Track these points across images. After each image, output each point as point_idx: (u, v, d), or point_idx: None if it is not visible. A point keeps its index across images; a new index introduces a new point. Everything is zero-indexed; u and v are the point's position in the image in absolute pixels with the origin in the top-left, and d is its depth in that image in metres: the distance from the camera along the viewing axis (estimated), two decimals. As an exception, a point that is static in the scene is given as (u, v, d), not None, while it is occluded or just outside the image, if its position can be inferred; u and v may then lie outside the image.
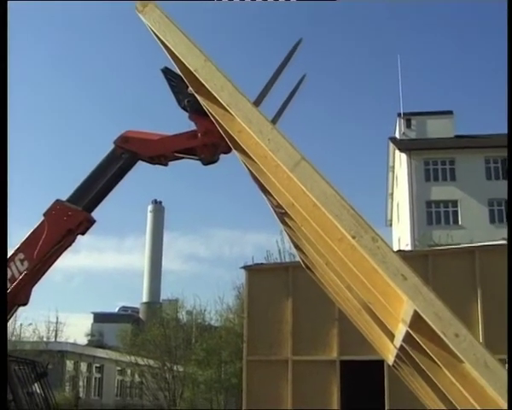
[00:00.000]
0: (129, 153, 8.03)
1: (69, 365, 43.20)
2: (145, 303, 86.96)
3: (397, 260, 2.65)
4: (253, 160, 4.06)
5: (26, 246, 8.35)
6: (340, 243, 3.30)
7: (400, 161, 52.23)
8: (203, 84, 3.80)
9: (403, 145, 51.28)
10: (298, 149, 3.16)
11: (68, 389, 41.00)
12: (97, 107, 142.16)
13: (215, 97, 3.74)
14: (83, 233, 8.65)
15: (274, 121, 6.21)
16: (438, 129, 51.38)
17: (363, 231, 2.76)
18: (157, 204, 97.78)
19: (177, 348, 35.53)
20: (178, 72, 4.39)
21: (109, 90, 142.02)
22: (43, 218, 8.43)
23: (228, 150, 6.74)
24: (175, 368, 34.59)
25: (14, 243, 8.32)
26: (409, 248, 40.70)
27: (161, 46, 4.13)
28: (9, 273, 8.13)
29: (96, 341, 67.12)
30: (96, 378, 46.78)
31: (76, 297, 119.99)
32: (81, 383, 43.90)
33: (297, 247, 7.29)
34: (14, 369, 12.52)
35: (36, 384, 14.54)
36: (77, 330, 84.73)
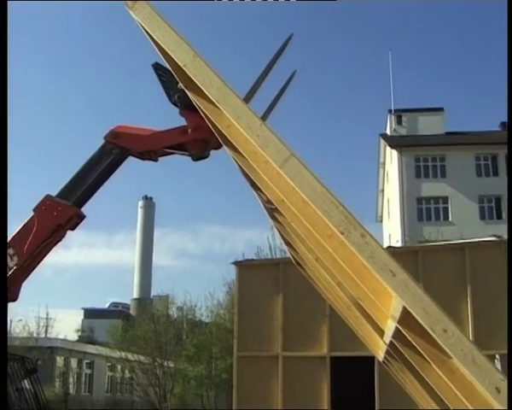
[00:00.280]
0: (119, 148, 8.00)
1: (59, 361, 43.09)
2: (135, 299, 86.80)
3: (385, 257, 2.66)
4: (243, 155, 4.06)
5: (15, 241, 8.32)
6: (329, 240, 3.30)
7: (391, 157, 52.35)
8: (192, 80, 3.79)
9: (394, 142, 51.40)
10: (287, 145, 3.15)
11: (58, 385, 40.91)
12: (87, 102, 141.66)
13: (204, 93, 3.73)
14: (73, 228, 8.62)
15: (264, 117, 6.21)
16: (428, 126, 51.51)
17: (351, 228, 2.76)
18: (148, 200, 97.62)
19: (168, 344, 35.57)
20: (169, 67, 4.39)
21: (100, 85, 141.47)
22: (32, 213, 8.40)
23: (218, 146, 6.73)
24: (165, 364, 34.62)
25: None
26: (399, 244, 40.84)
27: (151, 42, 4.12)
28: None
29: (87, 337, 66.94)
30: (86, 374, 46.67)
31: (66, 293, 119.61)
32: (71, 380, 43.79)
33: (287, 243, 7.30)
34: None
35: (25, 381, 14.51)
36: (67, 326, 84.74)
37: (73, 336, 62.07)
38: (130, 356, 37.06)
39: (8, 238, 8.31)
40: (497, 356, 14.05)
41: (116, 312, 77.18)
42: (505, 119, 54.81)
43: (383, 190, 57.65)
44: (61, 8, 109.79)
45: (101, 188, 8.40)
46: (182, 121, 7.17)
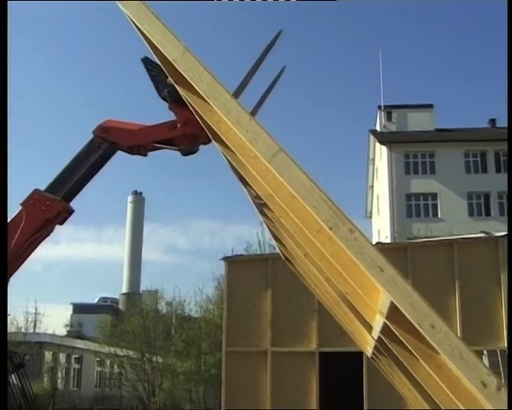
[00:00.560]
0: (108, 143, 7.97)
1: (48, 356, 42.98)
2: (125, 294, 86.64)
3: (374, 252, 2.66)
4: (232, 150, 4.05)
5: None
6: (318, 235, 3.30)
7: (381, 153, 52.47)
8: (182, 75, 3.78)
9: (383, 138, 51.53)
10: (276, 140, 3.14)
11: (47, 380, 40.81)
12: (87, 101, 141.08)
13: (194, 88, 3.72)
14: (61, 223, 8.59)
15: (254, 112, 6.21)
16: (418, 122, 51.68)
17: (340, 223, 2.76)
18: (137, 195, 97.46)
19: (157, 339, 35.57)
20: (158, 62, 4.37)
21: (100, 85, 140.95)
22: (20, 207, 8.37)
23: (207, 141, 6.73)
24: (154, 359, 34.62)
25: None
26: (388, 240, 40.98)
27: (140, 36, 4.10)
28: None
29: (75, 332, 66.84)
30: (74, 369, 46.59)
31: (55, 288, 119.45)
32: (60, 374, 43.70)
33: (276, 238, 7.29)
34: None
35: (13, 375, 14.45)
36: (56, 321, 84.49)
37: (62, 331, 61.99)
38: (118, 351, 37.04)
39: None
40: (485, 352, 14.14)
41: (105, 307, 77.06)
42: (494, 115, 55.21)
43: (373, 186, 57.79)
44: (59, 8, 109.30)
45: (90, 182, 8.37)
46: (171, 116, 7.15)
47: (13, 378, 14.39)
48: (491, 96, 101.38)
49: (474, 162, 50.32)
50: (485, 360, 13.79)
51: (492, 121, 54.68)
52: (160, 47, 3.79)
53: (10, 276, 8.57)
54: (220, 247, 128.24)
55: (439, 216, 48.34)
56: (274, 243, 9.02)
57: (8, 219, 8.39)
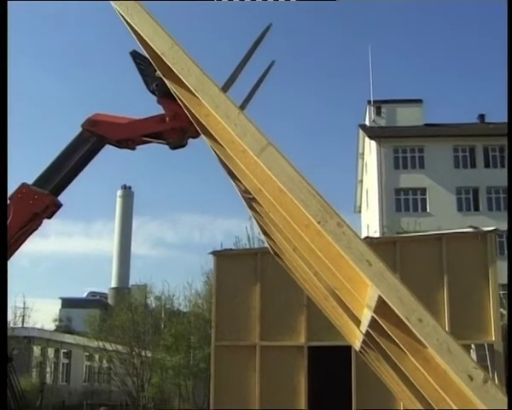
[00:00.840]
0: (96, 136, 7.93)
1: (36, 351, 42.82)
2: (114, 288, 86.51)
3: (362, 246, 2.66)
4: (221, 144, 4.04)
5: None
6: (306, 229, 3.30)
7: (370, 148, 52.57)
8: (171, 69, 3.76)
9: (372, 132, 51.61)
10: (265, 134, 3.14)
11: (35, 375, 40.68)
12: (65, 89, 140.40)
13: (182, 82, 3.71)
14: (49, 217, 8.55)
15: (243, 107, 6.19)
16: (407, 117, 51.79)
17: (328, 217, 2.76)
18: (126, 189, 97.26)
19: (146, 334, 35.49)
20: (147, 55, 4.35)
21: (77, 71, 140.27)
22: (8, 201, 8.31)
23: (196, 135, 6.71)
24: (143, 353, 34.54)
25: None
26: (377, 234, 41.02)
27: (129, 30, 4.08)
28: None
29: (64, 326, 66.68)
30: (63, 364, 46.46)
31: (44, 282, 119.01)
32: (48, 369, 43.57)
33: (265, 233, 7.30)
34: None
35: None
36: (44, 315, 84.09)
37: (51, 326, 61.84)
38: (107, 346, 36.94)
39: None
40: (473, 346, 14.22)
41: (94, 301, 76.83)
42: (483, 111, 55.41)
43: (362, 181, 57.90)
44: (47, 2, 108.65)
45: (79, 176, 8.33)
46: (160, 110, 7.13)
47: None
48: (480, 91, 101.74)
49: (463, 157, 50.51)
50: (473, 355, 13.87)
51: (481, 117, 54.90)
52: (148, 40, 3.77)
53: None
54: (209, 241, 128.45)
55: (428, 211, 48.51)
56: (263, 237, 9.02)
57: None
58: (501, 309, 19.77)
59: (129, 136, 7.81)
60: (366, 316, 3.59)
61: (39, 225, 8.57)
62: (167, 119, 7.09)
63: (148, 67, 6.23)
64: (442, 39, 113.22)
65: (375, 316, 3.04)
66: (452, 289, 14.75)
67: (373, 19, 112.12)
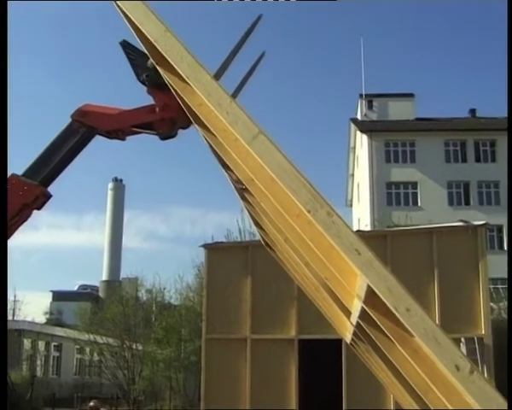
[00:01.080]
0: (86, 127, 7.88)
1: (26, 343, 42.76)
2: (105, 281, 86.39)
3: (351, 236, 2.65)
4: (213, 134, 4.03)
5: None
6: (297, 219, 3.28)
7: (361, 142, 52.61)
8: (163, 56, 3.74)
9: (364, 126, 51.65)
10: (256, 122, 3.12)
11: (25, 367, 40.62)
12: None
13: (175, 69, 3.68)
14: (39, 208, 8.49)
15: (233, 97, 6.16)
16: (399, 111, 51.83)
17: (318, 206, 2.75)
18: (117, 182, 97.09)
19: (137, 327, 35.46)
20: (138, 45, 4.32)
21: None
22: (-3, 192, 8.26)
23: (186, 125, 6.70)
24: (134, 346, 34.52)
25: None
26: (368, 228, 41.12)
27: (123, 17, 4.04)
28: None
29: (55, 319, 66.58)
30: (54, 357, 46.42)
31: (34, 275, 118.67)
32: (39, 362, 43.52)
33: (257, 224, 7.28)
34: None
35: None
36: (35, 308, 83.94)
37: (41, 319, 61.73)
38: (98, 339, 36.89)
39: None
40: (463, 339, 14.26)
41: (85, 294, 76.75)
42: (474, 106, 55.64)
43: (353, 175, 57.97)
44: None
45: (69, 167, 8.28)
46: (150, 100, 7.10)
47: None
48: (471, 86, 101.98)
49: (454, 152, 50.62)
50: (463, 348, 13.91)
51: (472, 111, 55.04)
52: (141, 28, 3.75)
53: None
54: (201, 234, 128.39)
55: (419, 205, 48.62)
56: (254, 229, 9.03)
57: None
58: (491, 303, 19.85)
59: (119, 126, 7.76)
60: (356, 307, 3.58)
61: (29, 216, 8.51)
62: (157, 109, 7.05)
63: (138, 58, 6.21)
64: (434, 34, 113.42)
65: (364, 306, 3.04)
66: (443, 282, 14.78)
67: (366, 14, 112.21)
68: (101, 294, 77.75)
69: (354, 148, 56.01)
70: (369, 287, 2.66)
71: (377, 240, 15.55)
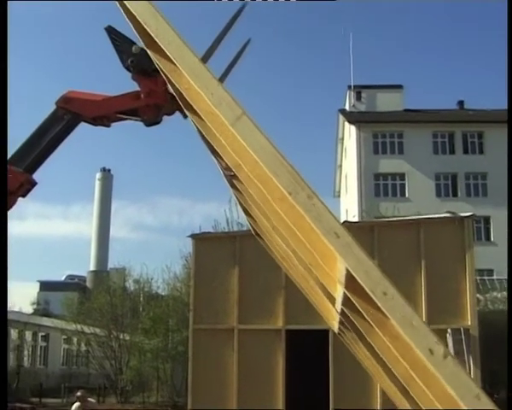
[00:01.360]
0: (71, 114, 7.83)
1: (14, 334, 42.62)
2: (92, 272, 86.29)
3: (331, 219, 2.63)
4: (202, 118, 4.00)
5: None
6: (281, 203, 3.26)
7: (349, 133, 52.65)
8: (154, 39, 3.71)
9: (352, 117, 51.68)
10: (240, 104, 3.10)
11: (12, 358, 40.51)
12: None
13: (165, 52, 3.65)
14: (24, 195, 8.45)
15: (220, 81, 6.13)
16: (387, 102, 51.90)
17: (299, 188, 2.73)
18: (105, 172, 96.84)
19: (124, 317, 35.43)
20: (124, 31, 4.28)
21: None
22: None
23: (171, 112, 6.68)
24: (121, 337, 34.51)
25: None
26: (356, 219, 41.18)
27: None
28: None
29: (42, 309, 66.43)
30: (41, 347, 46.32)
31: (21, 265, 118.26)
32: (26, 352, 43.40)
33: (247, 213, 7.25)
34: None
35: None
36: (22, 298, 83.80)
37: (28, 309, 61.55)
38: (85, 329, 36.87)
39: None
40: (449, 330, 14.32)
41: (72, 284, 76.61)
42: (462, 97, 55.84)
43: (341, 166, 58.04)
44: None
45: (53, 154, 8.23)
46: (135, 86, 7.07)
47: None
48: (459, 78, 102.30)
49: (442, 143, 50.76)
50: (449, 339, 13.96)
51: (460, 103, 55.22)
52: (131, 9, 3.71)
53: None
54: (188, 224, 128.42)
55: (407, 196, 48.75)
56: (242, 220, 9.00)
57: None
58: (477, 294, 19.93)
59: (104, 113, 7.72)
60: (339, 293, 3.57)
61: (14, 203, 8.46)
62: (142, 95, 7.02)
63: (124, 44, 6.16)
64: (423, 26, 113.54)
65: (346, 292, 3.02)
66: (430, 273, 14.82)
67: (355, 5, 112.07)
68: (88, 284, 77.64)
69: (342, 139, 56.06)
70: (348, 271, 2.64)
71: (364, 231, 15.55)
